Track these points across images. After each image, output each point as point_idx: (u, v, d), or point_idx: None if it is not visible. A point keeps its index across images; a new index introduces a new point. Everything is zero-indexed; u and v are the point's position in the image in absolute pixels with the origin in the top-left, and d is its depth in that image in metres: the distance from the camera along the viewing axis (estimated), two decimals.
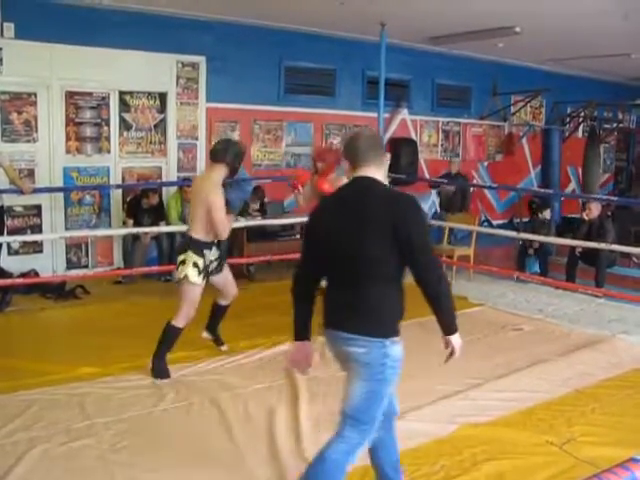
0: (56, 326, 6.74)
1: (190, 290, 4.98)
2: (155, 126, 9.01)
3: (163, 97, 9.01)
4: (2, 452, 3.76)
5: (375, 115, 9.35)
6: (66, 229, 8.47)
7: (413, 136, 11.60)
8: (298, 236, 9.30)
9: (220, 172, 5.02)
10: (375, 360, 2.84)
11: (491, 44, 10.16)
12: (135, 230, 8.19)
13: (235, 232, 8.42)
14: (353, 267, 2.85)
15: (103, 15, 8.19)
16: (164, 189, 8.97)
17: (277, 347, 5.73)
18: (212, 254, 5.12)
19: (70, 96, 8.34)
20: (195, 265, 4.95)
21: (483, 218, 12.47)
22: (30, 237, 8.23)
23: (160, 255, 8.56)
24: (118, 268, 8.65)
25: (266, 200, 9.36)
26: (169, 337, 5.01)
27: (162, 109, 9.03)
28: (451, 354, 3.03)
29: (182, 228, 8.43)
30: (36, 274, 7.93)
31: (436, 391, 4.76)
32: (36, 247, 8.32)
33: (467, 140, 12.54)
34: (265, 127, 9.96)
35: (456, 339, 2.98)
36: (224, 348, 5.60)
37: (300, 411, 4.42)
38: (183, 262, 4.97)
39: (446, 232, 9.48)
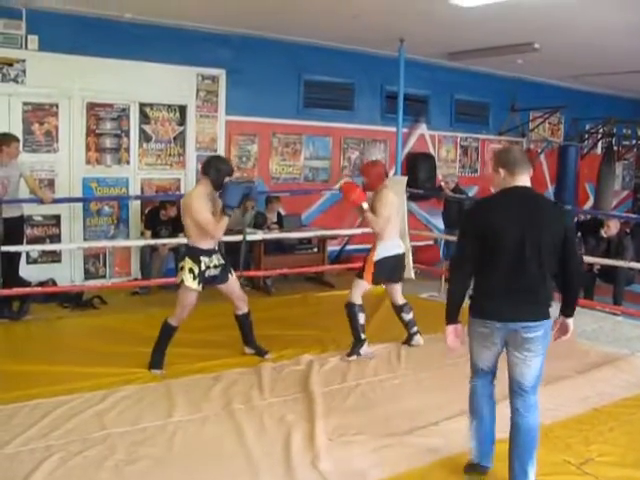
0: (73, 335, 6.77)
1: (184, 294, 5.27)
2: (174, 138, 9.07)
3: (183, 109, 9.08)
4: (19, 460, 3.77)
5: (394, 130, 9.37)
6: (84, 239, 8.53)
7: (431, 151, 11.61)
8: (315, 249, 9.34)
9: (204, 184, 5.25)
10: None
11: (510, 60, 10.15)
12: (153, 241, 8.23)
13: (252, 245, 8.46)
14: (524, 259, 3.39)
15: (125, 28, 8.28)
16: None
17: (293, 359, 5.72)
18: (211, 261, 5.33)
19: (91, 107, 8.43)
20: (191, 271, 5.22)
21: None
22: (49, 246, 8.28)
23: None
24: (135, 279, 8.69)
25: (283, 213, 9.39)
26: (164, 333, 5.36)
27: (182, 121, 9.09)
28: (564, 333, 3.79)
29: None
30: (54, 283, 7.98)
31: (455, 406, 4.70)
32: (55, 256, 8.38)
33: (485, 156, 12.52)
34: (284, 140, 10.00)
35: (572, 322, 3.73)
36: (267, 356, 5.77)
37: (316, 425, 4.40)
38: (182, 268, 5.29)
39: None
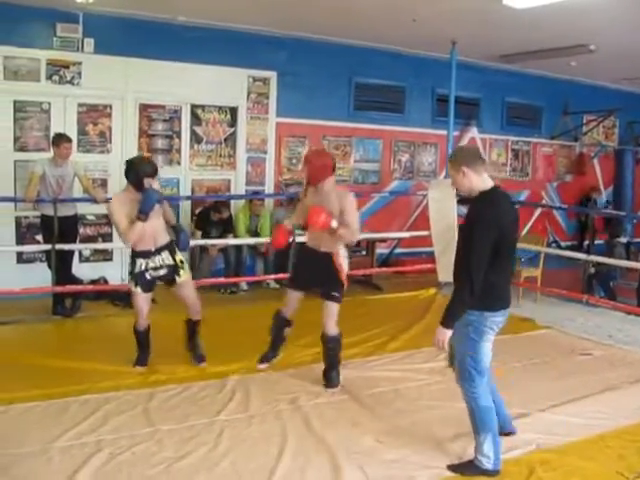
0: (123, 333, 6.80)
1: (132, 296, 5.32)
2: (225, 139, 9.15)
3: (234, 111, 9.15)
4: (70, 454, 3.85)
5: (445, 133, 9.30)
6: None
7: (482, 154, 11.46)
8: (364, 252, 9.33)
9: (128, 189, 5.14)
10: None
11: (564, 62, 10.00)
12: (203, 242, 8.31)
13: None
14: (514, 255, 3.83)
15: (178, 30, 8.39)
16: (232, 202, 9.09)
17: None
18: (151, 262, 5.22)
19: (144, 108, 8.56)
20: (130, 274, 5.28)
21: (551, 239, 12.23)
22: (101, 245, 8.43)
23: (227, 267, 8.65)
24: None
25: None
26: (136, 338, 5.50)
27: (232, 123, 9.16)
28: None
29: (249, 241, 8.56)
30: (105, 282, 8.12)
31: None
32: (106, 255, 8.53)
33: (537, 160, 12.34)
34: (334, 143, 10.00)
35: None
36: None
37: (363, 427, 4.38)
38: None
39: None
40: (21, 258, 7.97)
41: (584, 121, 12.64)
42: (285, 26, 8.69)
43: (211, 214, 8.49)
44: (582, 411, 4.78)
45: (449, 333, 3.64)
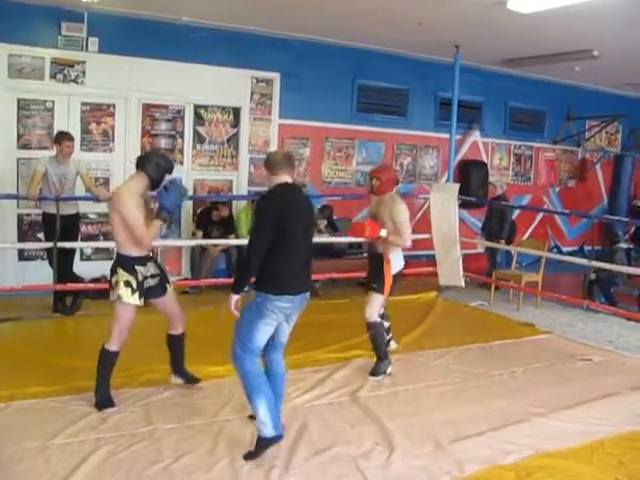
0: None
1: (122, 310, 4.55)
2: (228, 140, 9.17)
3: (237, 112, 9.16)
4: (69, 451, 3.86)
5: (447, 136, 9.31)
6: None
7: (484, 159, 11.49)
8: (365, 254, 9.29)
9: (138, 180, 4.56)
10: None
11: (567, 67, 10.01)
12: (204, 242, 8.32)
13: None
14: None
15: (182, 31, 8.41)
16: (234, 202, 9.10)
17: (340, 363, 5.72)
18: (147, 270, 4.66)
19: (147, 108, 8.58)
20: (127, 284, 4.50)
21: (552, 244, 12.23)
22: (102, 244, 8.43)
23: (228, 267, 8.66)
24: (185, 278, 8.79)
25: (335, 217, 9.39)
26: (104, 362, 4.62)
27: (235, 124, 9.18)
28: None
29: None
30: (106, 280, 8.09)
31: (499, 417, 4.67)
32: (107, 254, 8.49)
33: (539, 164, 12.35)
34: (336, 145, 10.01)
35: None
36: (199, 385, 5.07)
37: (358, 428, 4.39)
38: (116, 283, 4.51)
39: (514, 257, 9.32)
40: (23, 256, 7.99)
41: (587, 127, 12.65)
42: (289, 28, 8.71)
43: (212, 214, 8.50)
44: (581, 417, 4.77)
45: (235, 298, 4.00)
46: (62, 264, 7.03)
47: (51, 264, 7.05)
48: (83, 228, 8.05)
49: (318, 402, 4.88)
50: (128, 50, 8.08)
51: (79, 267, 7.71)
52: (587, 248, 12.06)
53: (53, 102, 7.99)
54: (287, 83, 9.33)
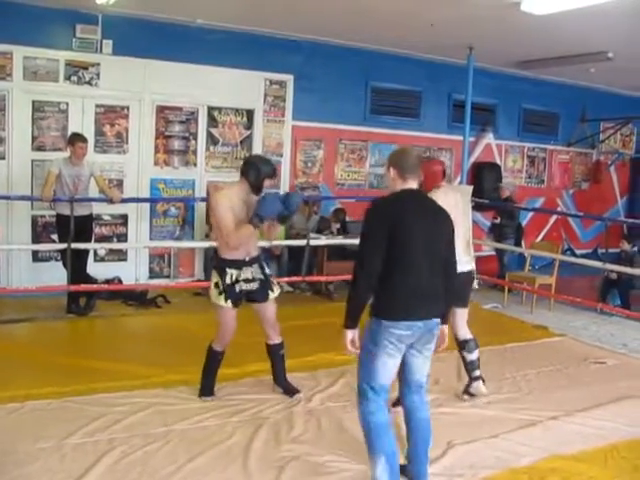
0: (136, 333, 6.91)
1: (218, 312, 4.67)
2: (241, 142, 9.18)
3: (250, 114, 9.18)
4: (83, 451, 3.88)
5: (460, 138, 9.29)
6: (150, 239, 8.71)
7: (497, 161, 11.46)
8: None
9: (240, 186, 4.62)
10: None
11: (582, 69, 9.95)
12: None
13: (315, 250, 8.49)
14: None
15: (196, 33, 8.43)
16: None
17: (349, 364, 5.70)
18: (242, 274, 4.65)
19: (161, 110, 8.61)
20: (216, 285, 4.62)
21: (566, 247, 12.18)
22: (116, 245, 8.48)
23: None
24: (199, 280, 8.80)
25: (348, 219, 9.38)
26: (210, 358, 4.83)
27: (249, 125, 9.19)
28: None
29: (264, 243, 8.55)
30: (120, 281, 8.16)
31: (513, 420, 4.65)
32: (121, 255, 8.58)
33: (553, 167, 12.30)
34: (350, 147, 10.01)
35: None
36: (298, 396, 4.96)
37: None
38: (212, 285, 4.70)
39: (528, 260, 9.29)
40: (37, 257, 8.03)
41: (601, 129, 12.58)
42: (302, 29, 8.72)
43: None
44: (595, 420, 4.74)
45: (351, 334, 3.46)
46: (76, 265, 7.06)
47: (65, 265, 7.08)
48: (97, 229, 8.09)
49: (332, 404, 4.87)
50: (142, 52, 8.12)
51: (93, 268, 7.74)
52: (601, 250, 12.00)
53: (67, 104, 8.04)
54: (300, 85, 9.33)
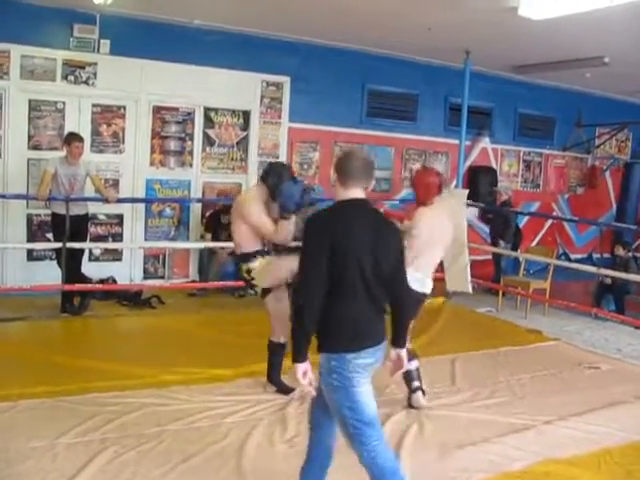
0: (130, 333, 6.90)
1: (271, 302, 4.92)
2: (237, 143, 9.18)
3: (247, 115, 9.18)
4: (76, 451, 3.86)
5: (456, 142, 9.31)
6: (145, 239, 8.71)
7: (493, 165, 11.48)
8: None
9: (260, 190, 4.94)
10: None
11: (578, 74, 9.98)
12: (212, 244, 8.33)
13: None
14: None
15: (193, 34, 8.43)
16: None
17: None
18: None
19: (157, 110, 8.60)
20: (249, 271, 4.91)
21: (561, 251, 12.20)
22: (111, 245, 8.48)
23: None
24: (193, 281, 8.80)
25: None
26: (271, 353, 5.02)
27: (245, 127, 9.19)
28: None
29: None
30: (114, 281, 8.14)
31: (506, 424, 4.65)
32: (116, 255, 8.56)
33: (548, 171, 12.32)
34: (346, 149, 9.99)
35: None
36: (293, 395, 4.95)
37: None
38: (251, 278, 4.91)
39: (522, 264, 9.30)
40: (31, 256, 8.01)
41: (597, 134, 12.61)
42: (299, 32, 8.73)
43: (221, 217, 8.51)
44: (588, 425, 4.74)
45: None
46: (70, 264, 7.05)
47: (60, 264, 7.08)
48: (92, 229, 8.08)
49: None
50: (139, 52, 8.10)
51: (87, 268, 7.73)
52: (596, 255, 12.04)
53: (64, 103, 8.03)
54: (297, 87, 9.34)
